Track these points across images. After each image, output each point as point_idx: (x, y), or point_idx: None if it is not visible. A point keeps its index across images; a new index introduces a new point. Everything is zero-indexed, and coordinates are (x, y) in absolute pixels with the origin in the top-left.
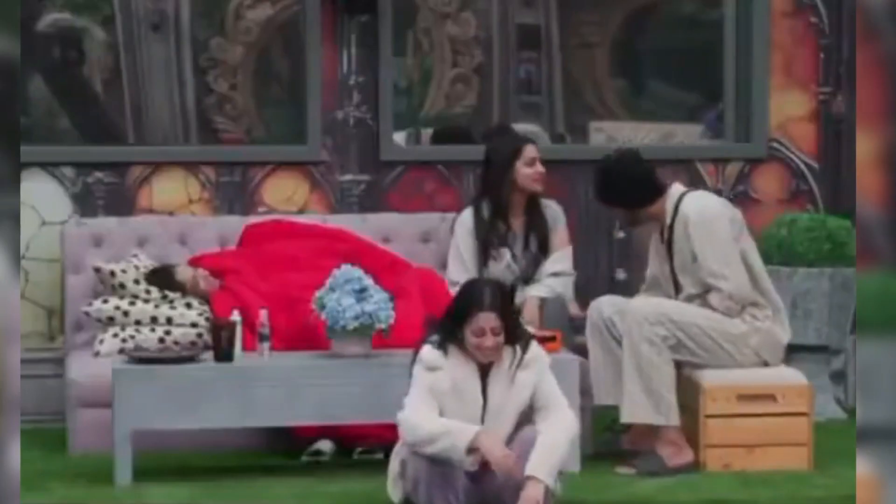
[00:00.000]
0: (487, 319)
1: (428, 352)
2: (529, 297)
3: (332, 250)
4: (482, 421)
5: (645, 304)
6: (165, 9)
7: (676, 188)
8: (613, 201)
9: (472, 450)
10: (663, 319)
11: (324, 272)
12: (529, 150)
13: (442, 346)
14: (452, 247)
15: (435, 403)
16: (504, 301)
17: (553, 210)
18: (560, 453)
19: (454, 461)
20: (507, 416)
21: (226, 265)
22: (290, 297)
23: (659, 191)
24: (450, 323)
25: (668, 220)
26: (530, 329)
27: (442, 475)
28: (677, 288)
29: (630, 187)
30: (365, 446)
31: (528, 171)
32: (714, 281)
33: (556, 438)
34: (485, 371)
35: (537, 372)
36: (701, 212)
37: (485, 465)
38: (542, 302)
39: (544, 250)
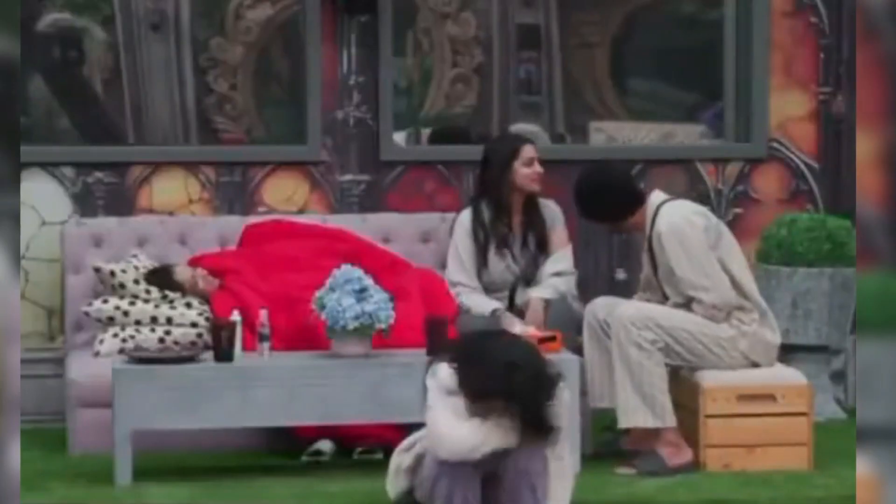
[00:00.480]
0: (500, 407)
1: (446, 372)
2: (533, 298)
3: (332, 250)
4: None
5: (631, 308)
6: (165, 9)
7: (656, 197)
8: (593, 216)
9: None
10: (650, 324)
11: (324, 272)
12: (527, 150)
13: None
14: (451, 247)
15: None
16: (535, 395)
17: (551, 209)
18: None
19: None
20: None
21: (226, 265)
22: (290, 297)
23: (637, 201)
24: (466, 376)
25: (647, 232)
26: (530, 329)
27: (463, 472)
28: (665, 295)
29: (606, 201)
30: (365, 446)
31: (526, 170)
32: (695, 293)
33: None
34: None
35: None
36: (671, 225)
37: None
38: (547, 303)
39: (543, 249)
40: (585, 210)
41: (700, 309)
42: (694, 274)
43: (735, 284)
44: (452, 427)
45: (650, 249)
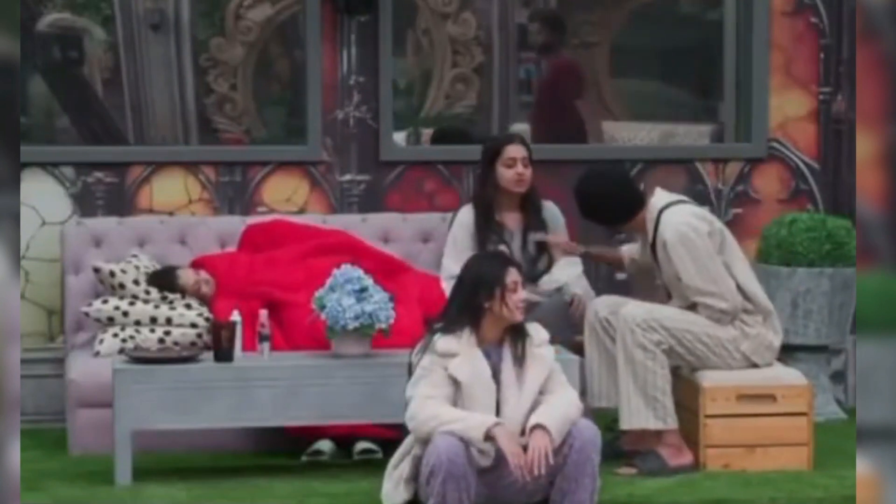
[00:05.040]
0: (513, 274)
1: (441, 341)
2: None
3: (330, 255)
4: (498, 400)
5: (637, 309)
6: (165, 9)
7: (657, 200)
8: (594, 219)
9: (488, 438)
10: (655, 325)
11: (321, 276)
12: (510, 150)
13: (452, 330)
14: (449, 241)
15: (446, 393)
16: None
17: (552, 212)
18: (567, 414)
19: (472, 446)
20: (525, 394)
21: (223, 268)
22: (283, 301)
23: (638, 204)
24: (463, 297)
25: (649, 238)
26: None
27: (457, 469)
28: (669, 296)
29: (607, 205)
30: (364, 439)
31: (507, 172)
32: (702, 299)
33: (565, 401)
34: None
35: (550, 355)
36: (676, 234)
37: (494, 464)
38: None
39: (542, 253)
40: (587, 213)
41: (706, 313)
42: (702, 281)
43: (739, 287)
44: (422, 403)
45: (654, 254)
